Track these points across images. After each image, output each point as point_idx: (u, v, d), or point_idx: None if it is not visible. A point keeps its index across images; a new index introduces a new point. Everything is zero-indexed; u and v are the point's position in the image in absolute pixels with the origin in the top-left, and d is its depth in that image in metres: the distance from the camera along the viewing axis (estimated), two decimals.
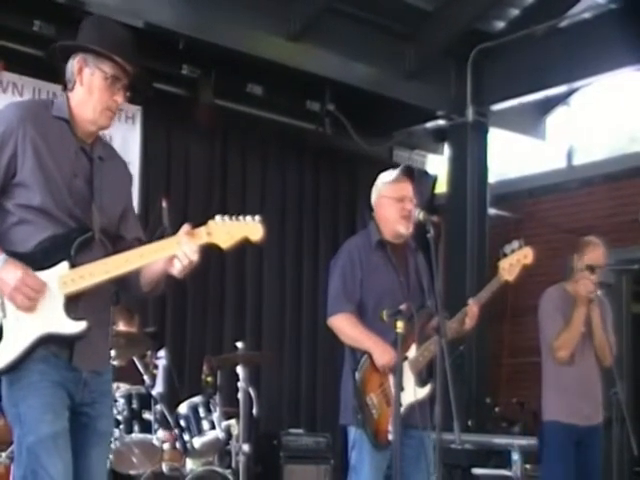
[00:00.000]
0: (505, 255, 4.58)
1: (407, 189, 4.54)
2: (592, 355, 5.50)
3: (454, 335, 4.41)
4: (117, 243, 3.24)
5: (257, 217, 3.12)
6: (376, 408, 4.31)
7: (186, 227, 3.11)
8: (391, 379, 4.25)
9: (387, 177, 4.63)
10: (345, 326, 4.43)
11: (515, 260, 4.57)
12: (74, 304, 3.06)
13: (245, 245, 9.79)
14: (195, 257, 3.07)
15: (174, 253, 3.08)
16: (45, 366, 3.04)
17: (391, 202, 4.52)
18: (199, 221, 3.17)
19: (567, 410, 5.42)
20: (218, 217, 3.11)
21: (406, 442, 4.03)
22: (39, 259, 3.05)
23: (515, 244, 4.59)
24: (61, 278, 3.04)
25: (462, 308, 4.48)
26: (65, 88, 3.28)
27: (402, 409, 4.06)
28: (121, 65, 3.19)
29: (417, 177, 4.67)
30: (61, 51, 3.25)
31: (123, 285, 3.30)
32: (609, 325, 5.50)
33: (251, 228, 3.11)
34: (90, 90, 3.19)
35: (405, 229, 4.49)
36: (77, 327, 3.04)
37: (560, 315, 5.48)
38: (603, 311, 5.49)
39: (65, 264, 3.05)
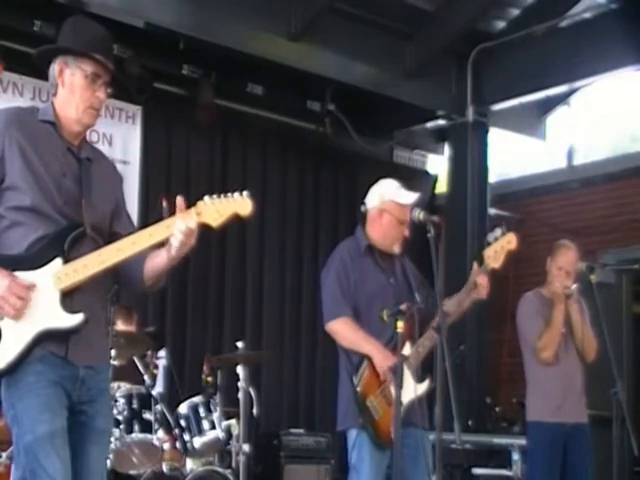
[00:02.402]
0: (489, 244, 4.59)
1: (408, 214, 4.54)
2: (574, 353, 5.54)
3: (468, 305, 4.49)
4: (113, 240, 3.24)
5: (245, 192, 3.14)
6: (377, 410, 4.32)
7: (180, 202, 3.10)
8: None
9: (398, 197, 4.59)
10: (345, 331, 4.43)
11: (499, 247, 4.57)
12: (69, 298, 3.08)
13: (246, 245, 9.71)
14: (189, 226, 3.06)
15: (165, 237, 3.10)
16: (42, 366, 3.04)
17: (395, 222, 4.55)
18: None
19: (552, 409, 5.44)
20: (207, 197, 3.13)
21: (404, 442, 4.04)
22: (33, 259, 3.07)
23: (498, 232, 4.60)
24: (56, 274, 3.07)
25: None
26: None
27: (403, 407, 4.07)
28: (100, 62, 3.22)
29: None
30: (41, 57, 3.29)
31: (125, 280, 3.32)
32: (588, 322, 5.55)
33: (239, 204, 3.12)
34: (72, 90, 3.22)
35: (398, 250, 4.60)
36: (74, 320, 3.06)
37: (540, 317, 5.53)
38: (581, 307, 5.54)
39: (59, 260, 3.08)
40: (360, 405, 4.31)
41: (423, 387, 4.40)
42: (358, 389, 4.32)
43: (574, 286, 5.45)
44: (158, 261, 3.21)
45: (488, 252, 4.56)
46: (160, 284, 3.35)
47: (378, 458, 4.34)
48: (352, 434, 4.39)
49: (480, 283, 4.46)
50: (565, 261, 5.52)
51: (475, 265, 4.54)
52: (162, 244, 3.16)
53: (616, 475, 5.09)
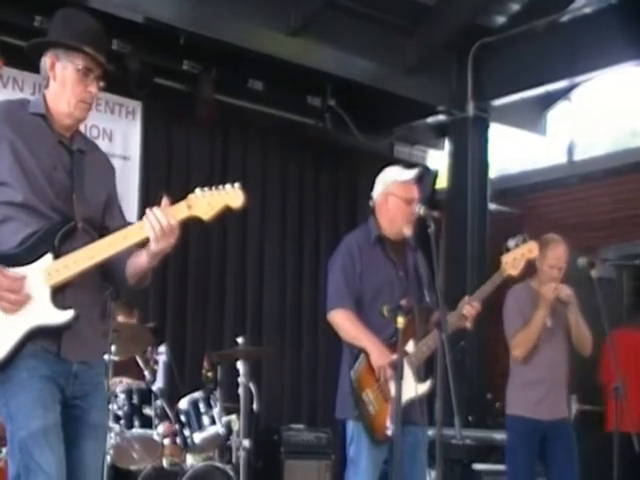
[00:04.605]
0: (508, 250, 4.56)
1: (415, 192, 4.52)
2: (560, 347, 5.47)
3: (453, 329, 4.40)
4: (103, 234, 3.21)
5: (237, 184, 3.09)
6: (373, 404, 4.32)
7: (165, 201, 3.08)
8: (389, 375, 4.26)
9: (398, 175, 4.58)
10: (344, 322, 4.42)
11: (519, 254, 4.56)
12: (60, 294, 3.06)
13: (246, 240, 9.70)
14: (165, 222, 3.02)
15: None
16: (34, 362, 3.03)
17: (401, 203, 4.50)
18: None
19: (530, 405, 5.39)
20: (198, 190, 3.09)
21: (403, 438, 4.03)
22: (24, 255, 3.05)
23: (519, 238, 4.58)
24: (46, 270, 3.04)
25: (460, 302, 4.46)
26: None
27: (402, 405, 4.06)
28: (92, 56, 3.20)
29: (422, 178, 4.64)
30: (33, 50, 3.27)
31: (109, 277, 3.29)
32: (578, 312, 5.42)
33: (231, 196, 3.08)
34: (63, 84, 3.20)
35: (409, 232, 4.51)
36: (65, 316, 3.04)
37: (519, 315, 5.45)
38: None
39: (49, 256, 3.05)
40: (356, 397, 4.32)
41: (424, 387, 4.39)
42: (355, 381, 4.33)
43: (562, 287, 5.36)
44: (139, 260, 3.17)
45: (506, 258, 4.54)
46: (145, 283, 3.31)
47: (375, 452, 4.35)
48: (350, 426, 4.40)
49: (466, 315, 4.41)
50: (556, 257, 5.41)
51: (466, 297, 4.48)
52: None
53: (616, 475, 5.08)
